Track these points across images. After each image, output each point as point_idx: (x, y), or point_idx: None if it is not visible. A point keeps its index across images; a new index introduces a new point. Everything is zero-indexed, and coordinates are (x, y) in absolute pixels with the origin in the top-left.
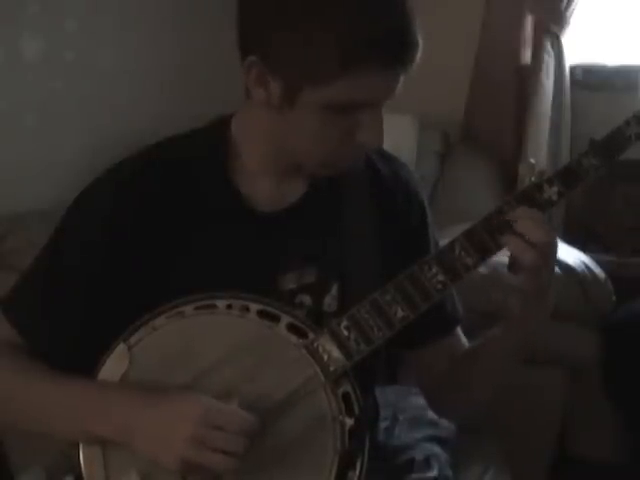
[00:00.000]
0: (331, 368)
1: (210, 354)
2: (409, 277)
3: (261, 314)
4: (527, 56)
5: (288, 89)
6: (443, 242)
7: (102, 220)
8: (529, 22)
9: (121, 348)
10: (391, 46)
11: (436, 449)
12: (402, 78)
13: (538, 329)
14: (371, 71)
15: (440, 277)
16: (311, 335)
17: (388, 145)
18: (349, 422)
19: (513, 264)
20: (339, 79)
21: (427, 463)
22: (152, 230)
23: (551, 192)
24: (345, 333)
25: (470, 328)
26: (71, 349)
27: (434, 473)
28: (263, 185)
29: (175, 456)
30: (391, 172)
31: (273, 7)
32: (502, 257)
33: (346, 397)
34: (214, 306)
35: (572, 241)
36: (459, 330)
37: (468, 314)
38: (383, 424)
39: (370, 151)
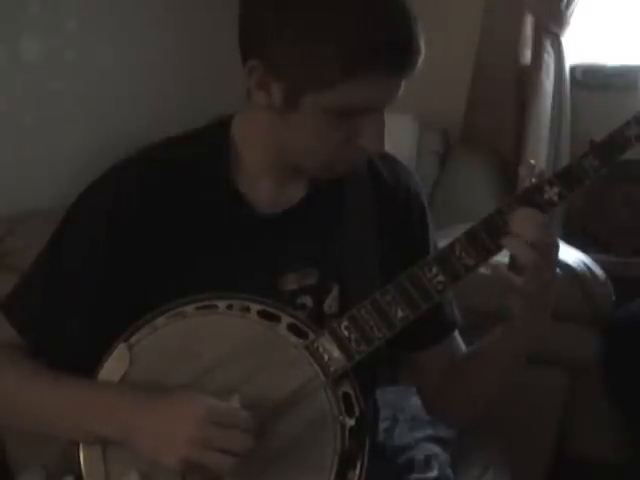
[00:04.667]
0: (331, 368)
1: (211, 354)
2: (410, 277)
3: (262, 314)
4: (527, 56)
5: (290, 93)
6: (443, 242)
7: (103, 220)
8: (529, 22)
9: (122, 348)
10: (393, 53)
11: (436, 449)
12: (403, 83)
13: (540, 329)
14: (373, 77)
15: (440, 277)
16: (311, 335)
17: (388, 145)
18: (349, 422)
19: (514, 264)
20: (341, 84)
21: (427, 463)
22: (153, 230)
23: (552, 193)
24: (345, 333)
25: (470, 328)
26: (71, 349)
27: (434, 473)
28: (264, 186)
29: (177, 456)
30: (392, 174)
31: (274, 11)
32: (503, 257)
33: (346, 397)
34: (215, 306)
35: (572, 241)
36: (457, 333)
37: (468, 314)
38: (383, 424)
39: (371, 155)
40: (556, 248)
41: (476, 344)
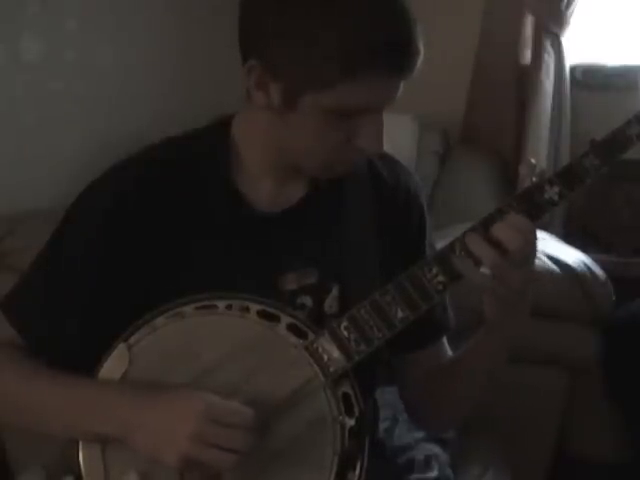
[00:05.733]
0: (331, 369)
1: (210, 354)
2: (409, 277)
3: (261, 314)
4: (527, 56)
5: (289, 93)
6: (443, 242)
7: (102, 220)
8: (529, 22)
9: (121, 348)
10: (392, 55)
11: (436, 449)
12: (402, 84)
13: (517, 329)
14: (372, 77)
15: (440, 278)
16: (311, 335)
17: (388, 145)
18: (349, 423)
19: None
20: (339, 84)
21: (427, 463)
22: (152, 230)
23: (552, 192)
24: (345, 334)
25: (469, 328)
26: (71, 349)
27: (434, 473)
28: (264, 186)
29: (177, 453)
30: (392, 174)
31: (274, 12)
32: None
33: (346, 398)
34: (214, 306)
35: (572, 241)
36: (445, 339)
37: (468, 314)
38: (383, 424)
39: (370, 156)
40: (532, 260)
41: (463, 347)
